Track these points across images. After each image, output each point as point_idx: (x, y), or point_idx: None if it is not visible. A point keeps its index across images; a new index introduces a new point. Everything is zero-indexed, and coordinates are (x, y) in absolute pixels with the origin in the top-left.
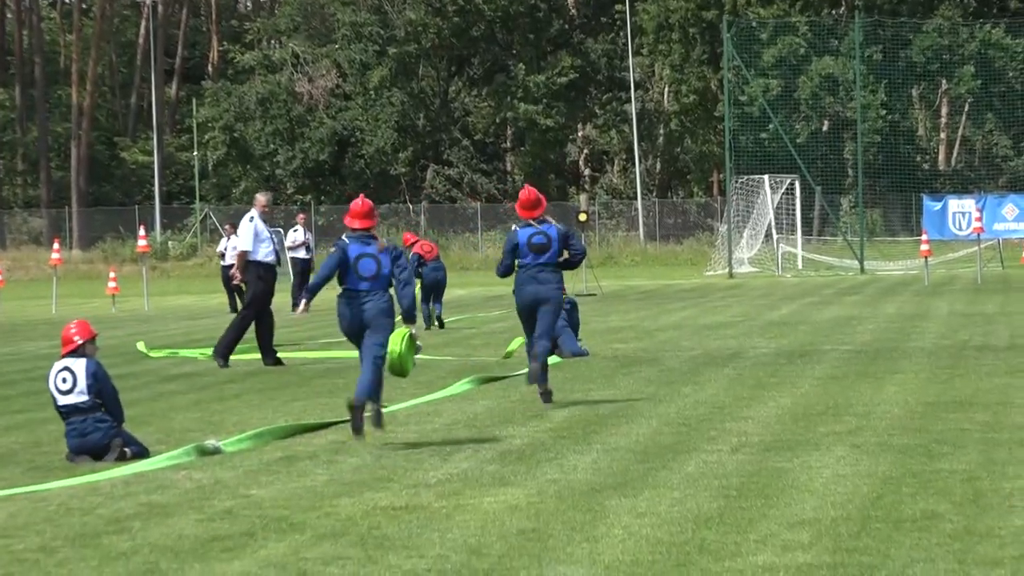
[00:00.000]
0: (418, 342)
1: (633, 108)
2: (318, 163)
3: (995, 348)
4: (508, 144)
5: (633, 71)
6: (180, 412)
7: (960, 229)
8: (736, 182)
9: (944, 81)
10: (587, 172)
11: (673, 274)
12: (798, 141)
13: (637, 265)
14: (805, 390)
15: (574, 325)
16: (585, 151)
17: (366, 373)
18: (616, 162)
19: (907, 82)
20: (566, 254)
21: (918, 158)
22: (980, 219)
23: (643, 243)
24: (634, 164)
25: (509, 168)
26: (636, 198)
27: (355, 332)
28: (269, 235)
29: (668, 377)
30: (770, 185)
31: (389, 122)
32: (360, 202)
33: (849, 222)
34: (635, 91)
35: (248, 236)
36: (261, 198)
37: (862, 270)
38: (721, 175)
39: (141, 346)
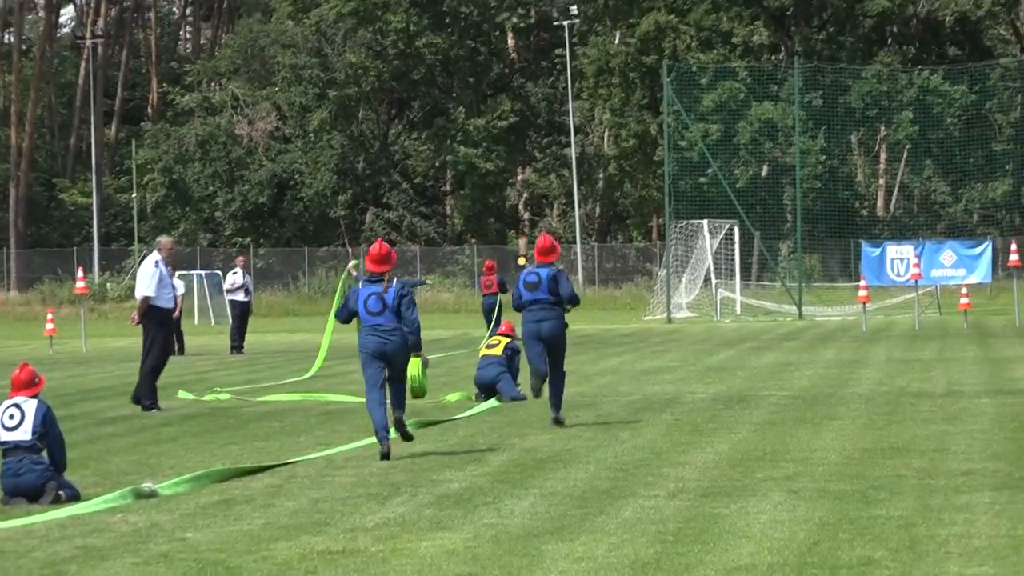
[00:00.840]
0: (427, 356)
1: (573, 152)
2: (257, 205)
3: (932, 394)
4: (448, 187)
5: (573, 115)
6: (117, 455)
7: (898, 275)
8: (675, 227)
9: (883, 127)
10: (526, 216)
11: (612, 319)
12: (737, 186)
13: (576, 309)
14: (743, 435)
15: (514, 371)
16: (524, 195)
17: (394, 393)
18: (556, 206)
19: (846, 128)
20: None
21: (857, 204)
22: (918, 265)
23: (582, 287)
24: (573, 208)
25: (449, 211)
26: (575, 242)
27: (375, 359)
28: (171, 281)
29: (606, 422)
30: (709, 230)
31: (329, 165)
32: (377, 247)
33: (788, 267)
34: (575, 135)
35: (152, 281)
36: (166, 242)
37: (800, 315)
38: (660, 220)
39: (185, 394)
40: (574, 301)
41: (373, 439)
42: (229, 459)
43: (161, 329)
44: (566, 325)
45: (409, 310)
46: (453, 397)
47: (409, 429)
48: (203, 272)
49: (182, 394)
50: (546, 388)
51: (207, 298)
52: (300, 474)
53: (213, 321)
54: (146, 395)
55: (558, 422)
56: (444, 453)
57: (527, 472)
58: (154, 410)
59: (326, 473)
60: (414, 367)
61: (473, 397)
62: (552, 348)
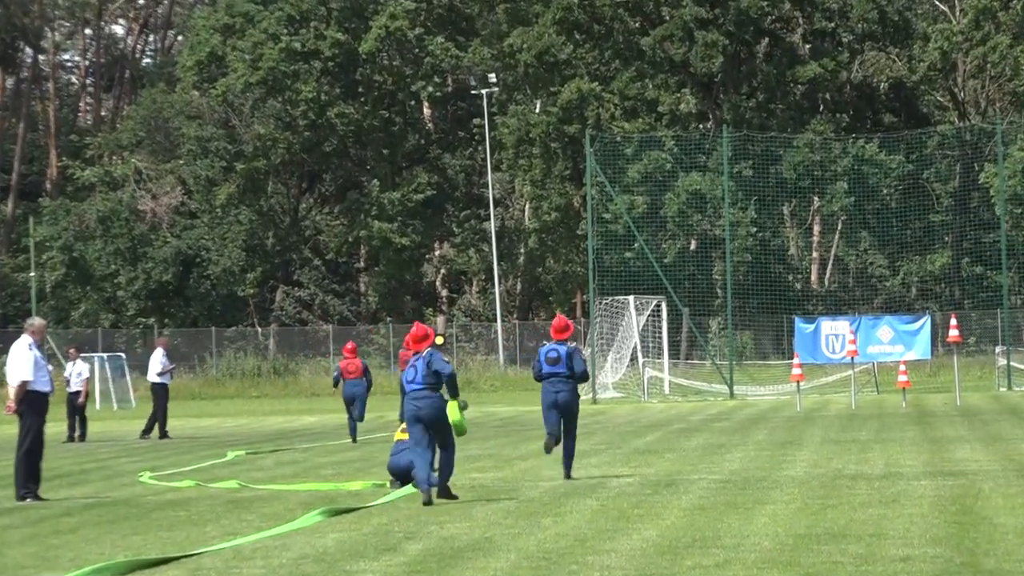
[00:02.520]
0: (462, 402)
1: (492, 226)
2: (161, 284)
3: (869, 477)
4: (362, 264)
5: (492, 187)
6: (13, 547)
7: (833, 352)
8: (600, 303)
9: (816, 198)
10: (444, 293)
11: (534, 399)
12: (665, 261)
13: (496, 390)
14: (671, 521)
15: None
16: (442, 271)
17: (444, 463)
18: (475, 282)
19: (778, 199)
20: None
21: (790, 278)
22: (854, 342)
23: (503, 367)
24: (493, 284)
25: (363, 289)
26: (496, 320)
27: (416, 421)
28: (45, 363)
29: (528, 508)
30: (636, 306)
31: (236, 241)
32: (415, 329)
33: (718, 345)
34: (494, 208)
35: (28, 365)
36: (39, 324)
37: (731, 395)
38: (584, 296)
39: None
40: (584, 378)
41: (282, 527)
42: (131, 550)
43: (39, 415)
44: (578, 396)
45: (440, 369)
46: (359, 486)
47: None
48: (105, 355)
49: (146, 477)
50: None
51: (108, 381)
52: (206, 566)
53: (116, 406)
54: (21, 483)
55: (568, 477)
56: (358, 542)
57: (444, 562)
58: (28, 499)
59: (233, 565)
60: (453, 412)
61: (388, 484)
62: (567, 416)
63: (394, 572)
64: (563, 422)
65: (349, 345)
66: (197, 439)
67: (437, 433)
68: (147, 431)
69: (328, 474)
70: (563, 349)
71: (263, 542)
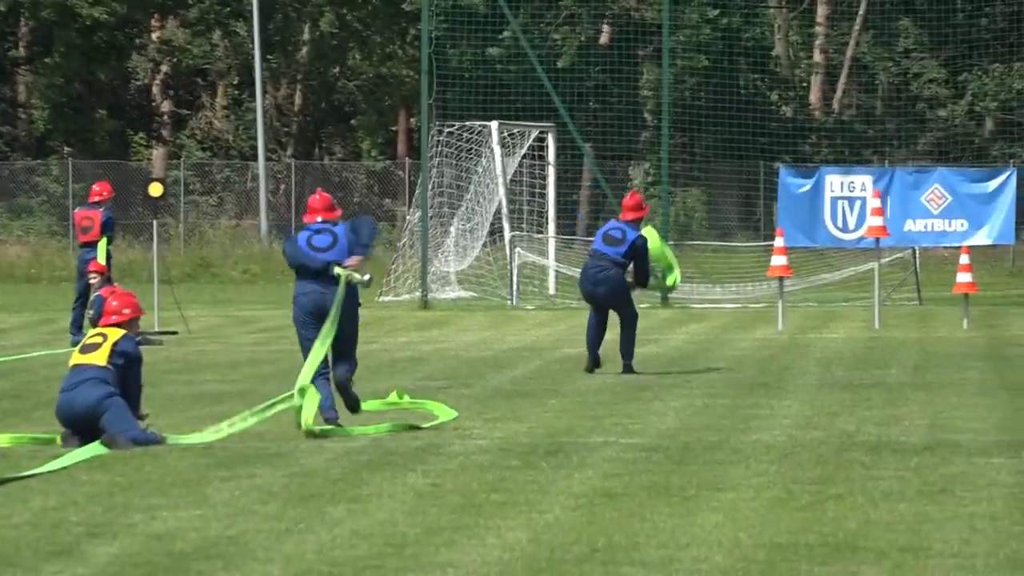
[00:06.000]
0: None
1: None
2: None
3: (902, 447)
4: (21, 52)
5: None
6: None
7: (844, 229)
8: (438, 132)
9: None
10: (166, 107)
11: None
12: (557, 63)
13: (254, 280)
14: (556, 515)
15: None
16: (163, 68)
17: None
18: (220, 90)
19: None
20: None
21: (773, 96)
22: (881, 211)
23: (265, 239)
24: (254, 95)
25: (22, 97)
26: (257, 158)
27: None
28: None
29: (305, 486)
30: (501, 140)
31: None
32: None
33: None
34: None
35: None
36: None
37: (664, 300)
38: (413, 117)
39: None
40: (643, 281)
41: None
42: None
43: None
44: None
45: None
46: (5, 440)
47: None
48: None
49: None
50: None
51: None
52: None
53: None
54: None
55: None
56: (4, 540)
57: None
58: None
59: None
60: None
61: (59, 439)
62: (617, 305)
63: None
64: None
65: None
66: None
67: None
68: None
69: None
70: (632, 233)
71: None
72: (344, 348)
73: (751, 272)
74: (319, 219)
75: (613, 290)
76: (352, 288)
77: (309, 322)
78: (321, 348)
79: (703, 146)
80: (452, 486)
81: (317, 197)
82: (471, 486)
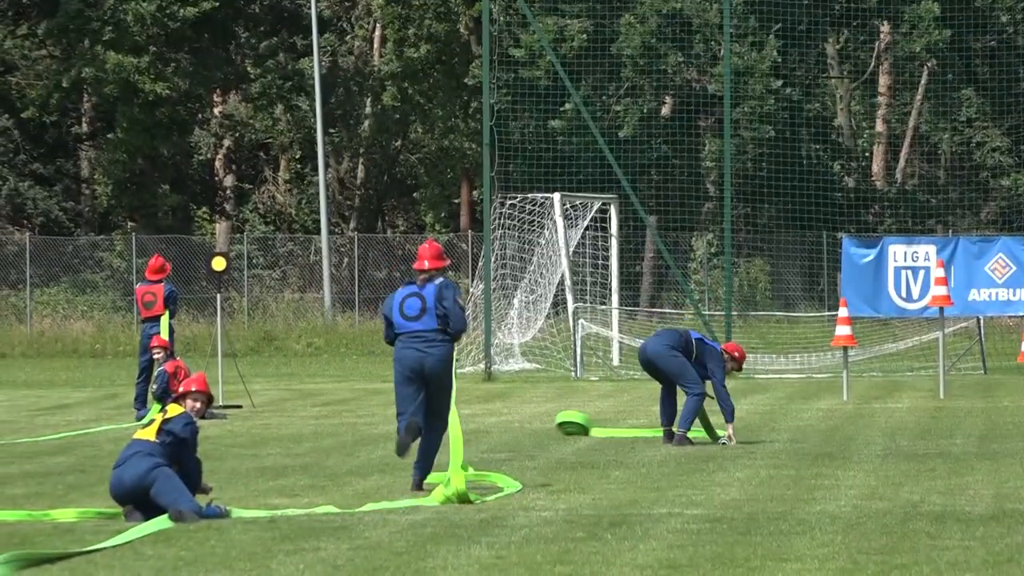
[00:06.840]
0: None
1: (317, 65)
2: None
3: (967, 517)
4: (84, 128)
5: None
6: None
7: (908, 298)
8: (500, 204)
9: (885, 27)
10: (229, 181)
11: (384, 370)
12: (619, 134)
13: (318, 353)
14: None
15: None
16: (226, 142)
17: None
18: (283, 164)
19: (815, 30)
20: None
21: (836, 167)
22: (945, 281)
23: (329, 313)
24: (316, 169)
25: (85, 172)
26: (320, 231)
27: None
28: None
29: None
30: (563, 211)
31: None
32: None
33: (707, 281)
34: (320, 34)
35: None
36: None
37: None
38: (475, 191)
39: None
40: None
41: None
42: None
43: None
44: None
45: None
46: (70, 515)
47: None
48: None
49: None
50: None
51: None
52: None
53: None
54: None
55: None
56: None
57: None
58: None
59: None
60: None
61: (123, 514)
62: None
63: None
64: (427, 401)
65: (154, 262)
66: None
67: (435, 396)
68: None
69: (19, 495)
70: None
71: None
72: (436, 407)
73: (815, 342)
74: (426, 263)
75: (663, 360)
76: (449, 348)
77: (411, 379)
78: (455, 423)
79: (766, 216)
80: (517, 558)
81: (427, 246)
82: (536, 558)
